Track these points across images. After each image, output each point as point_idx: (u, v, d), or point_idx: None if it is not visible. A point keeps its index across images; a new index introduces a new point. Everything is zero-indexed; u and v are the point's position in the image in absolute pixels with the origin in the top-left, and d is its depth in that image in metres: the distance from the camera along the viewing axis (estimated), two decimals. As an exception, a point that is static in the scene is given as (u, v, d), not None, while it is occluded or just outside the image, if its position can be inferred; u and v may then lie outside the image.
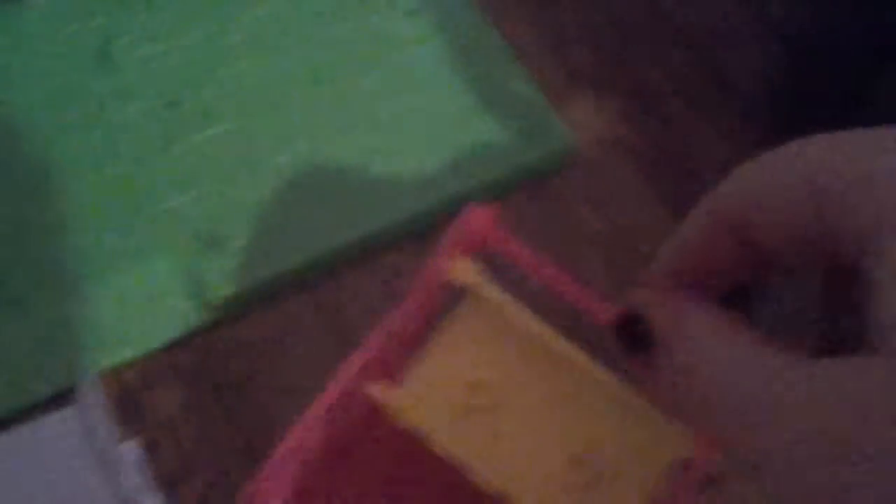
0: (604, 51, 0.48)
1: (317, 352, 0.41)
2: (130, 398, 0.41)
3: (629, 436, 0.33)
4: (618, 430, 0.33)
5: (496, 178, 0.46)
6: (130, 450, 0.39)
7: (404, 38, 0.49)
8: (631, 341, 0.26)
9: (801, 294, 0.25)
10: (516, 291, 0.35)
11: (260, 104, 0.48)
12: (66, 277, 0.43)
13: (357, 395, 0.35)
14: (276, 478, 0.35)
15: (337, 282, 0.43)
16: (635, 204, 0.45)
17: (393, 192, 0.45)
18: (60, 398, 0.40)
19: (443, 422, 0.34)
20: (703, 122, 0.47)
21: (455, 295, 0.36)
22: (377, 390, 0.35)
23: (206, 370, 0.41)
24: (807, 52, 0.44)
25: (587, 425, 0.33)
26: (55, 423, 0.39)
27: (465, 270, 0.35)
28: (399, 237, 0.45)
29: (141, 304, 0.43)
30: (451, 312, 0.35)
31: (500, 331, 0.35)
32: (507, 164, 0.46)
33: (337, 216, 0.45)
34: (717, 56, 0.48)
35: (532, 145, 0.47)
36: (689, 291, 0.24)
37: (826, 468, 0.19)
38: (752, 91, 0.47)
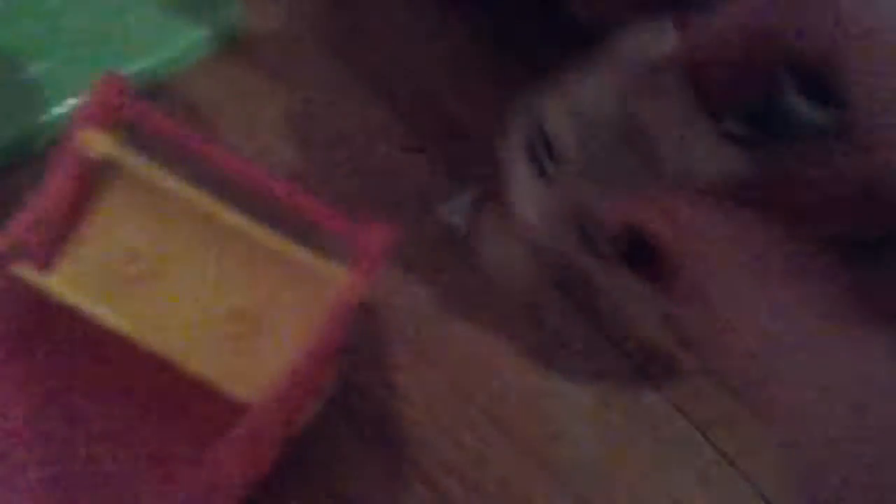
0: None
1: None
2: None
3: (287, 285, 0.34)
4: (276, 282, 0.34)
5: (162, 58, 0.43)
6: None
7: None
8: (630, 253, 0.23)
9: None
10: (165, 162, 0.34)
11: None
12: None
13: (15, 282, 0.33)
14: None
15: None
16: (324, 80, 0.44)
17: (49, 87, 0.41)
18: None
19: (103, 296, 0.34)
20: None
21: (105, 170, 0.34)
22: (30, 274, 0.34)
23: None
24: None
25: (245, 281, 0.34)
26: None
27: (102, 142, 0.34)
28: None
29: None
30: (99, 188, 0.34)
31: (148, 200, 0.34)
32: (173, 43, 0.43)
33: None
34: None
35: (206, 20, 0.43)
36: (698, 196, 0.22)
37: (843, 424, 0.18)
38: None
